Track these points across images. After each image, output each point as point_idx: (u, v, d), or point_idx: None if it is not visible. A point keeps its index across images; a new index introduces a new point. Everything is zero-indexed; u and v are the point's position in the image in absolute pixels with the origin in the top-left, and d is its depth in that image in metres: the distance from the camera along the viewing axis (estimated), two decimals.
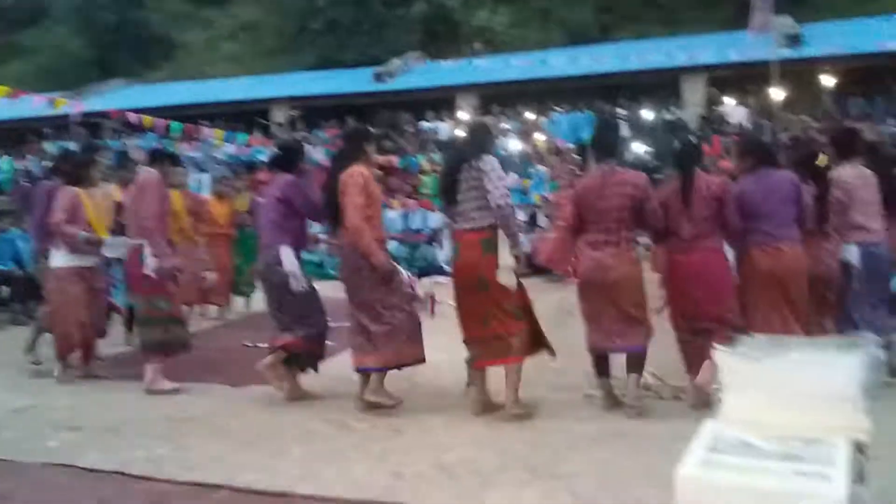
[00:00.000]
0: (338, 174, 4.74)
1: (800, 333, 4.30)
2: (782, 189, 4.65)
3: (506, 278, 4.41)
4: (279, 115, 19.07)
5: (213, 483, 3.61)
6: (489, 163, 4.48)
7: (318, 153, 14.24)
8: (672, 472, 1.88)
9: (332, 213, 4.83)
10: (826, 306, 4.95)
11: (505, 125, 15.86)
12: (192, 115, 15.56)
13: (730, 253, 4.76)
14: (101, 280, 5.91)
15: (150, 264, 5.26)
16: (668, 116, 15.83)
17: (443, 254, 11.89)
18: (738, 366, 2.08)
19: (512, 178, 11.85)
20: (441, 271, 10.55)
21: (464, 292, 4.58)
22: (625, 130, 12.95)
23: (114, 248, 5.72)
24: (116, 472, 3.78)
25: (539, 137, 15.08)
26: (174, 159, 6.16)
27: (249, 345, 6.67)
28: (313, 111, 18.62)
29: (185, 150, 15.22)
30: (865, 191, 4.98)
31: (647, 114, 15.62)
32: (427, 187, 14.13)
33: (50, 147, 17.06)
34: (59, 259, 5.66)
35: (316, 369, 5.13)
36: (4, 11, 30.73)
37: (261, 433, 4.37)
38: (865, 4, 19.90)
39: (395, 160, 14.35)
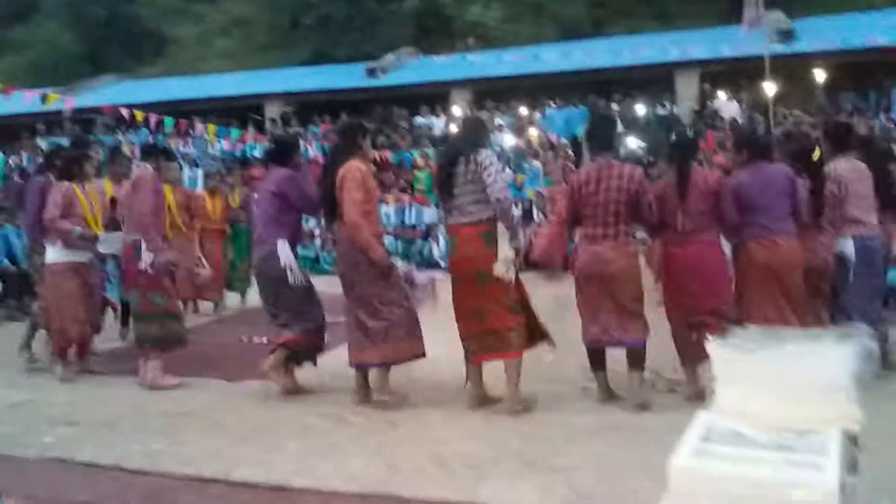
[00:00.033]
0: (335, 169, 4.73)
1: (796, 326, 4.32)
2: (778, 182, 4.68)
3: (504, 271, 4.42)
4: (272, 111, 19.03)
5: (209, 477, 3.63)
6: (487, 156, 4.49)
7: (311, 148, 14.21)
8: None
9: (328, 207, 4.83)
10: (821, 299, 4.98)
11: (499, 120, 15.85)
12: (184, 111, 15.47)
13: (726, 246, 4.79)
14: (95, 275, 5.90)
15: (146, 259, 5.25)
16: (661, 111, 15.85)
17: (438, 249, 11.90)
18: (732, 357, 2.09)
19: (506, 174, 11.85)
20: (437, 267, 10.55)
21: (462, 287, 4.58)
22: (618, 125, 12.95)
23: (108, 244, 5.72)
24: (113, 467, 3.80)
25: (533, 132, 15.09)
26: (168, 154, 6.17)
27: (245, 339, 6.68)
28: (306, 107, 18.57)
29: (178, 145, 15.17)
30: (860, 184, 5.02)
31: (640, 109, 15.63)
32: (421, 182, 14.12)
33: (43, 143, 16.97)
34: (54, 255, 5.64)
35: (315, 363, 5.14)
36: None
37: (257, 428, 4.38)
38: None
39: (388, 155, 14.34)
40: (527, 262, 4.77)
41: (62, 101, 11.96)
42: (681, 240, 4.60)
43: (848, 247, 4.93)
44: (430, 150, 14.56)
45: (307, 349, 5.04)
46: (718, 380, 2.13)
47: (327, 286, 5.69)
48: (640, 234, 5.39)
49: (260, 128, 17.61)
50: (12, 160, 16.63)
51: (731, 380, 2.10)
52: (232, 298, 8.77)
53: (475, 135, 4.69)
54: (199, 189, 10.05)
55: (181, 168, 9.11)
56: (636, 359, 4.53)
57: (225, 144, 15.72)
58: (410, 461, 3.75)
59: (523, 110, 16.41)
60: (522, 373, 4.53)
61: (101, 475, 3.74)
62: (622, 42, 18.66)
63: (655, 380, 4.95)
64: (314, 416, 4.54)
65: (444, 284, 5.98)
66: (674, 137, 5.02)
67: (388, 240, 10.73)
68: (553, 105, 16.34)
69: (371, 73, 19.53)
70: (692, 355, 4.49)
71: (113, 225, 5.97)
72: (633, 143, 13.62)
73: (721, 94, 16.00)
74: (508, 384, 4.50)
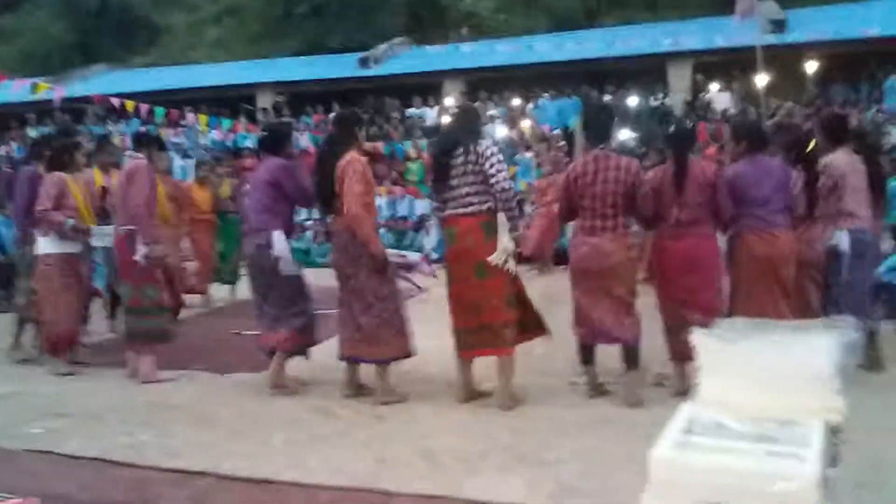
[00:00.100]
0: (332, 160, 4.66)
1: (790, 319, 4.32)
2: (775, 175, 4.67)
3: (502, 260, 4.39)
4: (264, 101, 18.95)
5: (196, 470, 3.61)
6: (489, 147, 4.46)
7: (303, 139, 14.16)
8: None
9: (324, 198, 4.77)
10: (814, 292, 4.99)
11: (491, 111, 15.82)
12: (176, 101, 15.42)
13: (721, 239, 4.77)
14: (86, 266, 5.87)
15: (140, 251, 5.21)
16: (653, 102, 15.84)
17: (430, 240, 11.89)
18: (715, 347, 2.10)
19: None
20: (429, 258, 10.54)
21: (459, 278, 4.53)
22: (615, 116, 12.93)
23: (102, 237, 5.69)
24: (99, 459, 3.78)
25: (525, 124, 15.06)
26: (160, 144, 6.11)
27: (236, 332, 6.65)
28: (299, 97, 18.50)
29: (170, 135, 15.10)
30: (855, 177, 5.01)
31: (633, 100, 15.61)
32: (413, 174, 14.09)
33: (33, 133, 16.87)
34: (46, 246, 5.58)
35: (307, 356, 5.12)
36: None
37: (245, 420, 4.37)
38: None
39: (380, 146, 14.29)
40: (518, 255, 4.74)
41: (52, 91, 11.88)
42: (676, 233, 4.55)
43: (843, 239, 4.93)
44: (423, 142, 14.53)
45: (299, 349, 5.00)
46: (702, 370, 2.13)
47: (318, 278, 5.66)
48: (635, 227, 5.38)
49: (252, 118, 17.54)
50: (2, 150, 16.55)
51: (715, 370, 2.10)
52: (220, 290, 8.69)
53: (471, 124, 4.65)
54: (190, 179, 9.99)
55: (170, 158, 9.07)
56: (631, 357, 4.51)
57: (216, 134, 15.68)
58: (399, 455, 3.74)
59: (516, 101, 16.38)
60: (514, 366, 4.51)
61: (87, 467, 3.72)
62: (615, 33, 18.63)
63: (643, 374, 4.95)
64: (302, 409, 4.53)
65: (428, 281, 6.01)
66: (672, 129, 4.96)
67: (380, 232, 10.71)
68: (546, 96, 16.32)
69: (364, 62, 19.45)
70: (683, 351, 4.47)
71: (103, 215, 5.94)
72: (624, 134, 13.59)
73: (713, 85, 15.99)
74: (500, 379, 4.49)
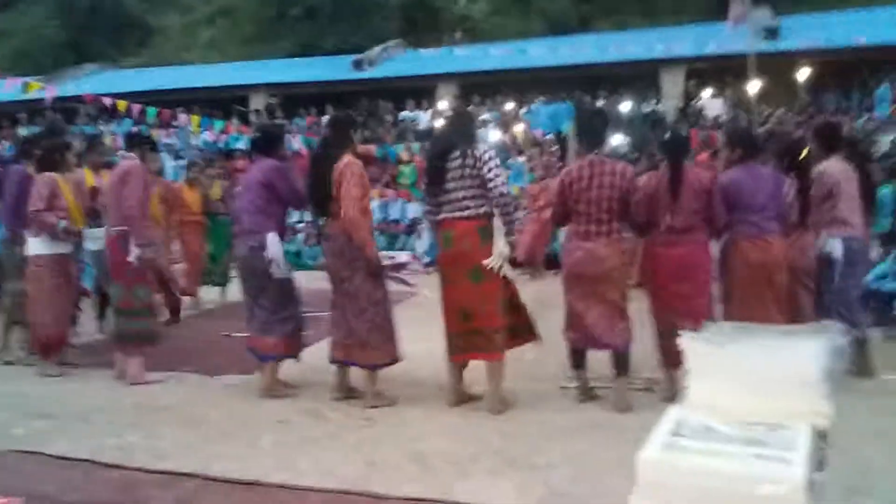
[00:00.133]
0: (327, 162, 4.64)
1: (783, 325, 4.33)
2: (770, 182, 4.70)
3: (497, 264, 4.39)
4: (257, 102, 18.93)
5: (184, 472, 3.60)
6: (487, 151, 4.46)
7: (296, 141, 14.15)
8: None
9: (319, 201, 4.74)
10: (806, 299, 5.01)
11: (484, 115, 15.83)
12: (168, 101, 15.38)
13: (714, 246, 4.78)
14: (75, 267, 5.84)
15: (133, 252, 5.18)
16: (646, 108, 15.89)
17: (421, 244, 11.88)
18: (704, 351, 2.10)
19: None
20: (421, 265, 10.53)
21: (453, 282, 4.51)
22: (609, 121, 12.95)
23: (94, 240, 5.65)
24: (87, 460, 3.76)
25: (518, 128, 15.08)
26: (153, 144, 6.08)
27: (226, 334, 6.63)
28: (291, 98, 18.48)
29: (161, 136, 15.06)
30: (848, 185, 5.04)
31: (626, 105, 15.66)
32: (405, 177, 14.08)
33: (24, 132, 16.81)
34: (37, 247, 5.54)
35: (297, 358, 5.09)
36: None
37: (234, 422, 4.35)
38: None
39: (372, 149, 14.29)
40: (511, 260, 4.74)
41: (44, 90, 11.85)
42: (670, 240, 4.54)
43: (836, 247, 4.95)
44: (415, 145, 14.53)
45: (287, 356, 4.99)
46: (691, 374, 2.14)
47: (309, 281, 5.65)
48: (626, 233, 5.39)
49: (244, 119, 17.51)
50: None
51: (704, 374, 2.11)
52: (211, 292, 8.63)
53: (466, 127, 4.64)
54: (180, 180, 9.95)
55: (161, 159, 9.02)
56: (622, 364, 4.51)
57: (208, 135, 15.64)
58: (389, 458, 3.73)
59: (509, 105, 16.40)
60: (504, 371, 4.51)
61: (75, 468, 3.70)
62: (608, 38, 18.69)
63: (633, 379, 4.95)
64: (292, 412, 4.52)
65: (419, 279, 6.01)
66: (667, 135, 4.96)
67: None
68: (539, 100, 16.35)
69: (357, 65, 19.46)
70: (673, 356, 4.48)
71: (93, 215, 5.91)
72: (617, 139, 13.64)
73: (706, 92, 16.06)
74: (490, 383, 4.48)
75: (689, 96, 16.39)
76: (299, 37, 24.50)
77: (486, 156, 4.42)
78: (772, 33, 16.12)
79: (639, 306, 4.73)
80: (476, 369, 4.63)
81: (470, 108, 13.88)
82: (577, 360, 4.66)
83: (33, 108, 17.36)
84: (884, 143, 11.72)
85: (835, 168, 5.04)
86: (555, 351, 4.88)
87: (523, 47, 18.29)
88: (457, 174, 4.44)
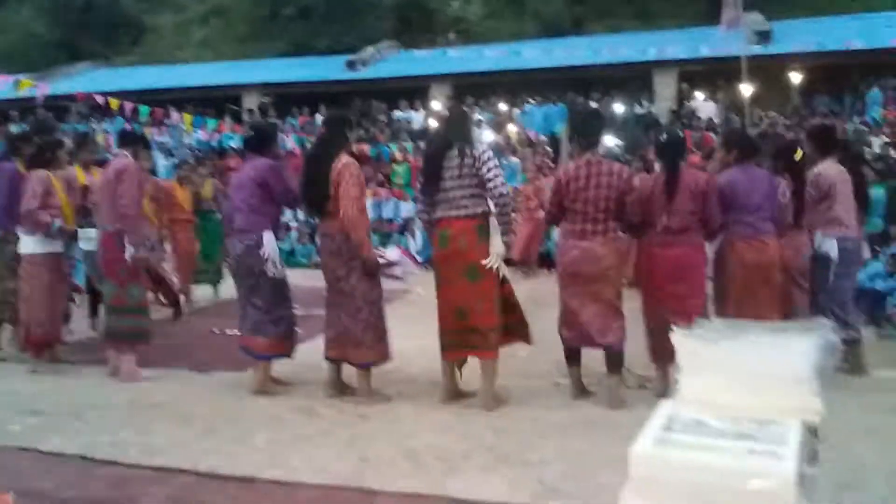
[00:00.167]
0: (324, 162, 4.63)
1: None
2: (765, 183, 4.74)
3: (494, 263, 4.40)
4: (250, 102, 18.90)
5: (177, 468, 3.59)
6: (485, 151, 4.47)
7: (289, 140, 14.13)
8: None
9: (314, 200, 4.72)
10: (800, 298, 5.05)
11: (478, 116, 15.86)
12: (161, 100, 15.35)
13: (709, 247, 4.80)
14: (67, 265, 5.82)
15: (129, 250, 5.16)
16: (638, 110, 15.94)
17: (414, 243, 11.88)
18: (695, 347, 2.12)
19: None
20: (414, 261, 10.53)
21: (449, 280, 4.52)
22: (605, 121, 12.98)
23: (88, 240, 5.64)
24: (80, 457, 3.75)
25: (511, 129, 15.11)
26: (146, 142, 6.06)
27: (217, 331, 6.63)
28: (284, 98, 18.46)
29: (154, 134, 15.02)
30: (843, 186, 5.10)
31: (619, 107, 15.71)
32: (399, 176, 14.09)
33: (16, 129, 16.73)
34: (30, 245, 5.51)
35: (291, 356, 5.08)
36: None
37: (226, 419, 4.34)
38: (835, 2, 20.20)
39: (366, 149, 14.29)
40: (506, 259, 4.76)
41: (35, 88, 11.80)
42: (666, 240, 4.56)
43: (832, 247, 5.00)
44: (409, 145, 14.54)
45: (279, 356, 4.98)
46: (682, 370, 2.15)
47: (302, 279, 5.65)
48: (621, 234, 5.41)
49: (237, 118, 17.48)
50: None
51: (695, 370, 2.12)
52: (203, 290, 8.61)
53: (462, 126, 4.64)
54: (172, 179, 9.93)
55: (152, 157, 9.00)
56: (615, 362, 4.53)
57: (201, 134, 15.61)
58: (382, 454, 3.74)
59: (502, 106, 16.43)
60: (498, 368, 4.53)
61: (66, 464, 3.69)
62: (602, 40, 18.76)
63: (626, 375, 4.97)
64: (285, 408, 4.52)
65: (415, 283, 6.00)
66: (664, 137, 5.00)
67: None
68: (532, 102, 16.38)
69: (351, 65, 19.46)
70: (665, 354, 4.50)
71: (84, 213, 5.89)
72: (610, 141, 13.67)
73: (698, 94, 16.12)
74: (484, 380, 4.49)
75: (682, 99, 16.45)
76: (292, 36, 24.46)
77: (486, 155, 4.43)
78: (764, 37, 16.20)
79: (632, 305, 4.75)
80: (470, 368, 4.64)
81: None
82: (572, 357, 4.68)
83: (25, 107, 17.29)
84: (875, 145, 11.80)
85: (831, 170, 5.10)
86: (548, 349, 4.90)
87: (517, 49, 18.34)
88: (454, 173, 4.45)
